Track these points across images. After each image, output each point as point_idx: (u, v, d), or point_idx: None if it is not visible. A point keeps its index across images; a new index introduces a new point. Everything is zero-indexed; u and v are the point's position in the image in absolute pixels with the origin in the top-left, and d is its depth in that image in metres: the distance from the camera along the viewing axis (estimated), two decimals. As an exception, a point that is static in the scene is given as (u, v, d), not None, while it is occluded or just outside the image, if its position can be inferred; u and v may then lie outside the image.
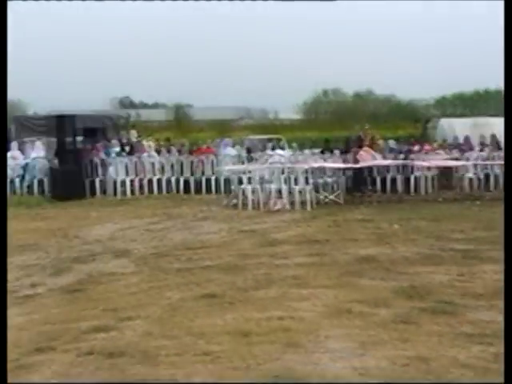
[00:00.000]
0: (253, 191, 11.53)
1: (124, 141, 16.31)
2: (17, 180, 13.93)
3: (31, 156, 14.48)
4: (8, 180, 13.86)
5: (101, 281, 6.42)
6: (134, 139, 23.02)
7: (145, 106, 68.28)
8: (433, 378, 3.72)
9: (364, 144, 13.71)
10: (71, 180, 12.67)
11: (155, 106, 68.13)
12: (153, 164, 14.18)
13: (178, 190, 13.99)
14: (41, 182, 13.88)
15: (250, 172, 12.13)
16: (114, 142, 15.47)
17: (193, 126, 47.58)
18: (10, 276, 6.69)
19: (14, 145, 14.96)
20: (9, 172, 13.91)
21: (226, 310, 5.35)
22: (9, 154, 14.43)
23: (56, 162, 13.70)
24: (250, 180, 11.93)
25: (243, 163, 13.99)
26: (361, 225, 9.59)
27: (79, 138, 13.94)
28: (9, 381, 3.96)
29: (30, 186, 14.21)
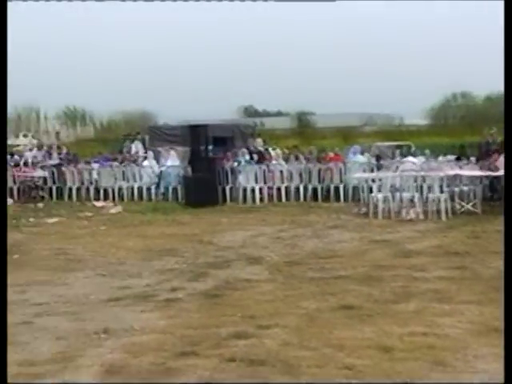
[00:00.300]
0: (384, 200, 11.21)
1: (251, 149, 16.59)
2: (152, 187, 14.64)
3: (166, 164, 15.14)
4: (144, 187, 14.64)
5: (237, 287, 6.52)
6: (259, 147, 23.45)
7: (268, 114, 69.44)
8: None
9: (492, 149, 12.89)
10: (203, 187, 13.08)
11: (278, 114, 69.07)
12: (281, 172, 14.27)
13: (305, 198, 13.97)
14: (175, 190, 14.48)
15: (380, 180, 11.82)
16: (243, 150, 15.76)
17: (316, 133, 47.68)
18: (151, 280, 7.03)
19: (150, 154, 15.73)
20: (146, 179, 14.69)
21: (364, 322, 5.20)
22: (145, 163, 15.25)
23: (189, 170, 14.22)
24: (380, 188, 11.62)
25: (372, 171, 13.68)
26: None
27: (210, 147, 14.34)
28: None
29: (164, 193, 14.87)
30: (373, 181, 12.14)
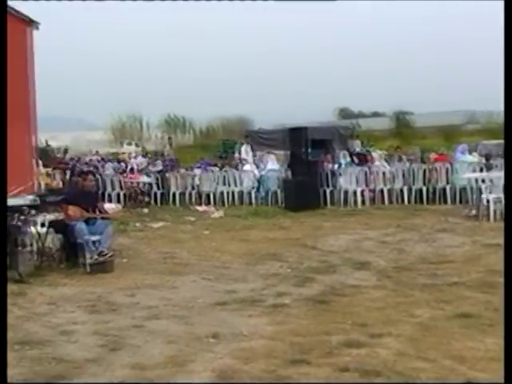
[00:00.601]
0: (495, 201, 10.56)
1: (352, 151, 16.27)
2: (253, 191, 14.70)
3: (266, 168, 15.15)
4: (245, 192, 14.73)
5: (344, 293, 6.32)
6: (358, 149, 23.05)
7: (364, 115, 68.17)
8: None
9: None
10: (304, 191, 12.94)
11: (374, 115, 67.61)
12: (383, 174, 13.86)
13: (409, 201, 13.47)
14: (275, 193, 14.45)
15: (491, 180, 11.15)
16: (344, 152, 15.49)
17: (416, 133, 46.08)
18: (256, 284, 6.98)
19: (250, 158, 15.81)
20: (246, 184, 14.76)
21: (485, 333, 4.85)
22: (246, 167, 15.34)
23: (289, 173, 14.14)
24: (491, 189, 10.96)
25: (481, 170, 12.96)
26: None
27: (309, 150, 14.17)
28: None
29: (264, 197, 14.89)
30: (482, 181, 11.48)
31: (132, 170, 17.17)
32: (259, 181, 15.14)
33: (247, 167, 15.24)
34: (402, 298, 5.99)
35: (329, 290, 6.47)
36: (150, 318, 5.87)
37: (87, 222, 8.16)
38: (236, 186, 14.98)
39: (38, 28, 10.48)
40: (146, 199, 15.84)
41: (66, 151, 24.04)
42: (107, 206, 10.76)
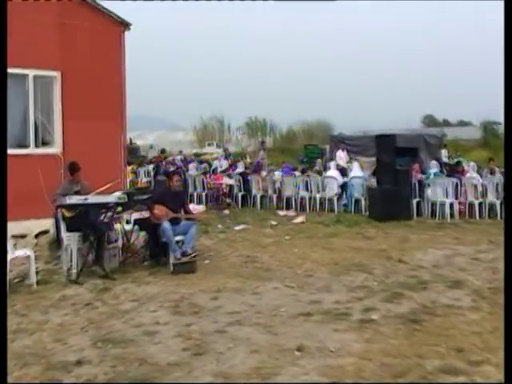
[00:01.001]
0: None
1: (441, 161, 15.59)
2: (335, 198, 14.37)
3: (350, 175, 14.79)
4: (327, 198, 14.42)
5: (437, 313, 5.95)
6: (445, 159, 22.16)
7: (449, 124, 65.85)
8: None
9: None
10: (390, 200, 12.48)
11: (460, 123, 65.17)
12: (475, 186, 13.18)
13: (501, 216, 12.72)
14: (357, 201, 14.07)
15: None
16: (433, 162, 14.88)
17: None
18: (341, 296, 6.71)
19: (332, 164, 15.49)
20: (329, 190, 14.45)
21: None
22: (328, 173, 15.04)
23: (374, 181, 13.71)
24: None
25: None
26: None
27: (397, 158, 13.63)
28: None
29: (346, 205, 14.53)
30: None
31: (215, 170, 17.27)
32: (342, 187, 14.79)
33: (331, 173, 14.91)
34: (500, 323, 5.54)
35: (420, 309, 6.11)
36: (232, 324, 5.75)
37: (172, 221, 8.17)
38: (318, 191, 14.71)
39: (129, 29, 10.68)
40: (228, 201, 15.86)
41: (163, 151, 24.45)
42: (192, 206, 10.80)
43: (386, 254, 9.13)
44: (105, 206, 7.89)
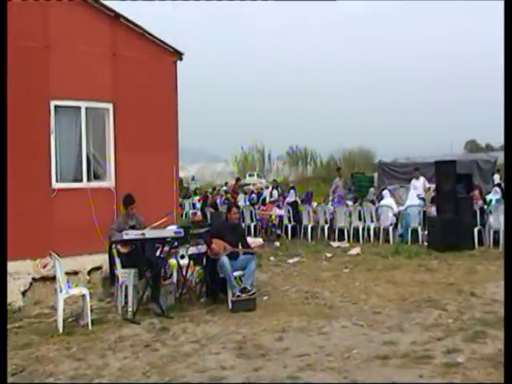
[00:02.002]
0: None
1: (502, 186, 14.84)
2: (390, 228, 13.82)
3: (406, 204, 14.22)
4: (381, 228, 13.86)
5: (530, 355, 5.36)
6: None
7: (492, 148, 64.32)
8: None
9: None
10: (450, 229, 11.85)
11: (503, 148, 63.55)
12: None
13: None
14: (414, 231, 13.48)
15: None
16: (495, 188, 14.21)
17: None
18: (416, 336, 6.19)
19: (386, 193, 14.96)
20: (384, 219, 13.91)
21: None
22: (383, 202, 14.50)
23: (433, 209, 13.13)
24: None
25: None
26: None
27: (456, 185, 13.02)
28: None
29: (402, 235, 13.95)
30: None
31: (264, 201, 16.92)
32: (397, 217, 14.23)
33: (386, 202, 14.36)
34: None
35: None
36: (304, 369, 5.31)
37: (230, 256, 7.81)
38: (372, 221, 14.18)
39: (182, 59, 10.53)
40: (278, 232, 15.47)
41: (238, 179, 24.15)
42: (250, 239, 10.44)
43: (455, 287, 8.54)
44: (161, 241, 7.59)
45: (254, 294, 7.60)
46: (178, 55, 10.37)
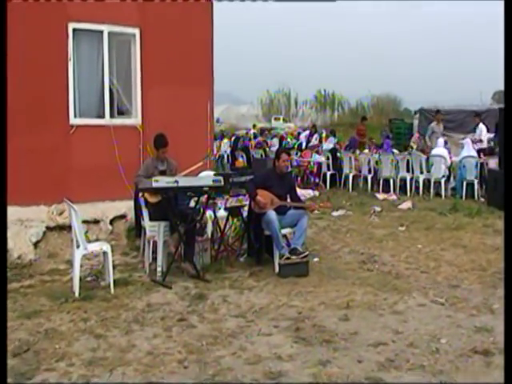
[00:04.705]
0: None
1: None
2: (442, 181, 12.43)
3: (461, 154, 12.75)
4: (432, 180, 12.50)
5: None
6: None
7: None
8: None
9: None
10: (516, 185, 10.45)
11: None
12: None
13: None
14: (470, 185, 12.09)
15: None
16: None
17: None
18: None
19: (440, 141, 13.47)
20: (436, 171, 12.53)
21: None
22: (436, 151, 13.05)
23: (491, 162, 11.70)
24: None
25: None
26: None
27: None
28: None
29: (455, 189, 12.60)
30: None
31: (300, 146, 15.56)
32: (449, 169, 12.83)
33: (438, 151, 12.87)
34: None
35: None
36: (385, 367, 4.10)
37: (278, 210, 6.56)
38: (422, 172, 12.78)
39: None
40: (316, 180, 14.17)
41: (263, 131, 22.59)
42: (301, 191, 9.16)
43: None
44: (197, 191, 6.35)
45: (306, 256, 6.39)
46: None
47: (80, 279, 5.83)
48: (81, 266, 5.96)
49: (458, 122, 20.84)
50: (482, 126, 13.94)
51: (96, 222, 7.95)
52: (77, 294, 5.63)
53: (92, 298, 5.58)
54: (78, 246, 5.80)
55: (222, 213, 7.15)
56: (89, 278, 6.30)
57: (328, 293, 5.77)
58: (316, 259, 7.06)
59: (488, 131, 14.29)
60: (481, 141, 13.62)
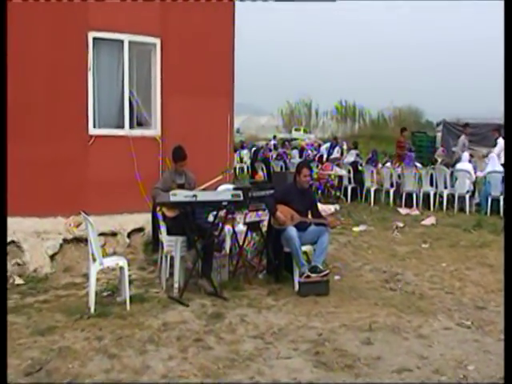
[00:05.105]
0: None
1: None
2: (467, 196, 12.15)
3: (486, 169, 12.46)
4: (456, 195, 12.22)
5: None
6: None
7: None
8: None
9: None
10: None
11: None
12: None
13: None
14: (495, 201, 11.79)
15: None
16: None
17: None
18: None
19: (465, 156, 13.18)
20: (459, 186, 12.25)
21: None
22: (460, 165, 12.78)
23: (519, 177, 11.38)
24: None
25: None
26: None
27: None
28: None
29: (479, 204, 12.30)
30: None
31: (321, 158, 15.37)
32: (475, 183, 12.53)
33: (463, 166, 12.60)
34: None
35: None
36: (411, 395, 3.90)
37: (299, 227, 6.38)
38: (446, 187, 12.51)
39: (241, -1, 8.89)
40: (337, 194, 13.96)
41: (284, 142, 22.44)
42: (322, 206, 8.98)
43: None
44: (216, 205, 6.20)
45: (327, 274, 6.19)
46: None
47: (96, 294, 5.70)
48: (97, 280, 5.84)
49: (482, 135, 20.47)
50: (500, 141, 13.61)
51: (114, 234, 7.84)
52: (92, 310, 5.50)
53: (107, 315, 5.44)
54: (94, 260, 5.68)
55: (240, 227, 6.98)
56: (105, 293, 6.17)
57: (349, 314, 5.57)
58: (337, 277, 6.87)
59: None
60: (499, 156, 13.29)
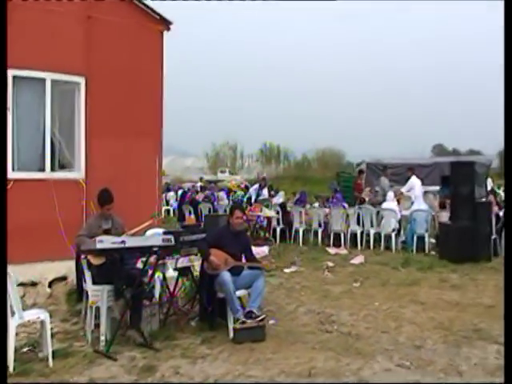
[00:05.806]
0: None
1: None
2: (393, 234, 12.37)
3: (412, 208, 12.78)
4: (382, 234, 12.44)
5: None
6: (489, 188, 20.21)
7: (458, 153, 64.35)
8: None
9: None
10: (467, 239, 10.46)
11: (471, 153, 63.56)
12: None
13: None
14: (421, 239, 12.06)
15: None
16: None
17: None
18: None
19: (390, 195, 13.45)
20: (386, 225, 12.47)
21: None
22: (386, 205, 13.05)
23: (443, 215, 11.73)
24: None
25: None
26: None
27: (476, 189, 11.58)
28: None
29: (405, 242, 12.55)
30: None
31: (249, 200, 15.29)
32: (400, 222, 12.80)
33: (388, 205, 12.88)
34: None
35: None
36: None
37: (233, 271, 6.18)
38: (372, 226, 12.71)
39: (169, 29, 8.83)
40: (266, 235, 13.86)
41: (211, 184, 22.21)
42: (256, 249, 8.79)
43: (496, 311, 7.07)
44: (146, 251, 5.91)
45: (262, 320, 5.99)
46: (166, 24, 8.65)
47: (15, 350, 5.23)
48: (16, 335, 5.36)
49: (403, 175, 21.14)
50: (414, 179, 14.09)
51: (33, 284, 7.35)
52: (11, 369, 5.02)
53: (28, 373, 5.00)
54: (12, 314, 5.22)
55: (170, 273, 6.70)
56: (25, 349, 5.68)
57: (288, 359, 5.38)
58: (272, 321, 6.66)
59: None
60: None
